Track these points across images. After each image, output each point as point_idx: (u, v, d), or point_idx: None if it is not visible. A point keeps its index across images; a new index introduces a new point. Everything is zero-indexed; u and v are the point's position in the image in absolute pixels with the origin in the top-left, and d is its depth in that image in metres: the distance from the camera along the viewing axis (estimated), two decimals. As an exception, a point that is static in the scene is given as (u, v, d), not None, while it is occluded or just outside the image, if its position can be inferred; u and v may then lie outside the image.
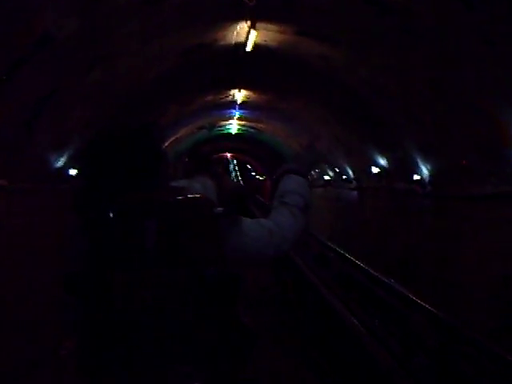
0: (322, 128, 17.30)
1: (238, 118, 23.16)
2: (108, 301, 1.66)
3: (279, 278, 12.69)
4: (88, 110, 10.84)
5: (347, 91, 11.95)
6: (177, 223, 1.70)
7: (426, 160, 11.44)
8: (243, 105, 18.55)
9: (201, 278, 1.69)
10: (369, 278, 11.05)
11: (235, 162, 61.05)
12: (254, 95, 16.84)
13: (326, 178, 22.45)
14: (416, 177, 12.14)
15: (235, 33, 10.16)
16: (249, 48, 10.78)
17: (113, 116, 12.04)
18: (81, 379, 1.75)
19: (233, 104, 18.38)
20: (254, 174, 56.04)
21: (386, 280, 10.43)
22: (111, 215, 1.69)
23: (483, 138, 8.76)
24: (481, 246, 9.71)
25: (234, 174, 60.94)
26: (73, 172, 12.19)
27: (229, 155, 53.91)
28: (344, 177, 18.99)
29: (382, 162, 14.53)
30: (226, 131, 28.25)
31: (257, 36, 10.10)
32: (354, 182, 18.36)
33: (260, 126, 24.66)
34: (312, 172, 24.93)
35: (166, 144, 20.16)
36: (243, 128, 27.04)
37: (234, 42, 10.77)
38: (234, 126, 26.22)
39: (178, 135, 21.47)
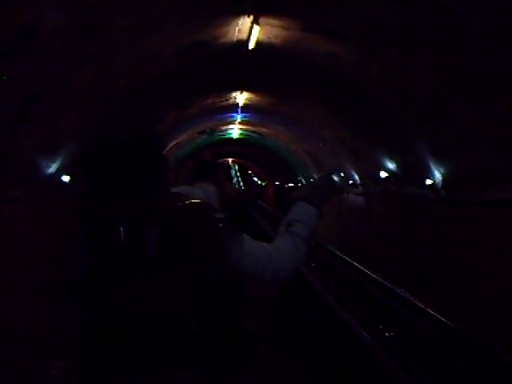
0: (326, 131, 16.66)
1: (240, 122, 22.52)
2: (110, 307, 1.67)
3: (284, 287, 12.17)
4: (81, 113, 10.19)
5: (355, 91, 11.30)
6: (178, 229, 1.72)
7: (440, 163, 10.78)
8: (245, 108, 17.90)
9: (202, 282, 1.69)
10: (379, 287, 10.42)
11: (237, 167, 60.77)
12: (256, 98, 16.19)
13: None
14: (428, 181, 11.47)
15: (237, 29, 9.52)
16: (251, 45, 10.15)
17: (109, 119, 11.40)
18: None
19: (234, 107, 17.73)
20: (255, 179, 55.71)
21: (399, 291, 9.82)
22: (118, 226, 1.69)
23: (506, 137, 8.11)
24: (502, 255, 9.06)
25: (235, 179, 60.73)
26: (66, 179, 11.58)
27: (230, 160, 53.51)
28: (350, 182, 18.30)
29: (391, 165, 13.87)
30: (227, 136, 27.64)
31: (260, 32, 9.46)
32: (361, 187, 17.69)
33: (262, 130, 24.02)
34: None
35: (166, 149, 19.58)
36: (245, 133, 26.43)
37: (235, 40, 10.13)
38: (235, 130, 25.58)
39: (177, 140, 20.82)
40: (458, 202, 10.61)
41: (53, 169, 10.62)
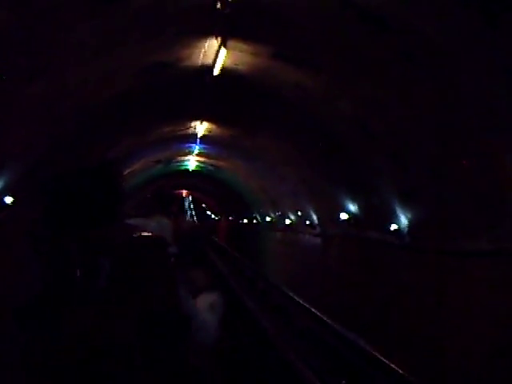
0: (287, 168, 16.11)
1: (198, 154, 21.81)
2: (58, 335, 1.66)
3: (232, 331, 11.36)
4: (29, 130, 9.37)
5: (322, 127, 10.79)
6: (130, 262, 1.73)
7: (406, 208, 10.27)
8: (204, 139, 17.21)
9: (151, 317, 1.70)
10: (337, 337, 9.75)
11: (190, 199, 60.05)
12: (216, 129, 15.55)
13: (287, 221, 21.20)
14: (393, 226, 10.95)
15: (202, 52, 8.90)
16: (216, 71, 9.53)
17: (59, 140, 10.58)
18: None
19: (193, 137, 17.02)
20: (209, 213, 55.00)
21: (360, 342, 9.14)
22: (71, 254, 1.70)
23: (481, 184, 7.64)
24: (471, 307, 8.52)
25: (189, 212, 60.00)
26: (9, 200, 10.70)
27: (185, 193, 52.66)
28: (307, 222, 17.74)
29: (353, 207, 13.35)
30: (183, 167, 26.87)
31: (227, 57, 8.86)
32: (318, 227, 17.13)
33: (220, 163, 23.36)
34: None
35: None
36: (202, 165, 25.72)
37: (200, 63, 9.51)
38: (192, 161, 24.84)
39: (132, 168, 19.95)
40: (423, 249, 10.09)
41: (-7, 189, 9.72)
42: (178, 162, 24.56)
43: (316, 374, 6.97)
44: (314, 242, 17.84)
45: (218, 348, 8.82)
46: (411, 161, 9.05)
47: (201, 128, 15.39)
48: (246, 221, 31.65)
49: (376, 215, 12.03)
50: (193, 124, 14.99)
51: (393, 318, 11.22)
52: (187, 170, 27.60)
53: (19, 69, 7.31)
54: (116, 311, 1.68)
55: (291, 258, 21.33)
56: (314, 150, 12.84)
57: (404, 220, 10.58)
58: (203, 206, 55.86)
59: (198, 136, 16.62)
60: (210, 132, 16.00)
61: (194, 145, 18.91)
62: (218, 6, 6.83)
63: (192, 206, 61.61)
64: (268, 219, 24.80)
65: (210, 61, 9.29)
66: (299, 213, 19.08)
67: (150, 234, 1.83)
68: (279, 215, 22.63)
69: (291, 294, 14.51)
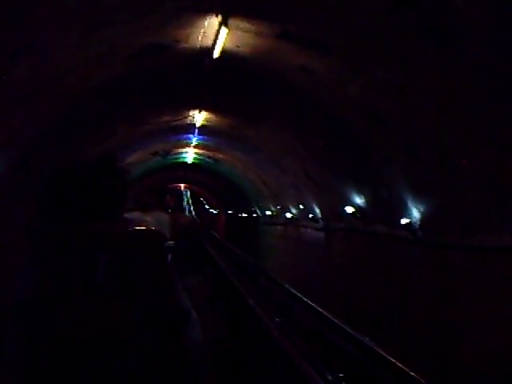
0: (289, 159, 15.44)
1: (196, 146, 21.11)
2: (56, 331, 1.65)
3: (235, 329, 10.78)
4: (12, 119, 8.70)
5: (328, 114, 10.11)
6: (127, 256, 1.73)
7: (419, 200, 9.62)
8: (202, 129, 16.51)
9: (149, 312, 1.68)
10: (343, 335, 9.12)
11: (189, 193, 59.51)
12: (215, 118, 14.85)
13: (289, 215, 20.54)
14: (404, 220, 10.29)
15: (202, 32, 8.22)
16: (216, 54, 8.86)
17: (47, 130, 9.91)
18: None
19: (191, 128, 16.32)
20: (207, 207, 54.37)
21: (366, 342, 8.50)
22: (69, 248, 1.70)
23: (504, 175, 6.99)
24: (491, 308, 7.89)
25: (186, 206, 59.45)
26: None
27: (182, 186, 52.03)
28: (310, 215, 17.08)
29: (359, 200, 12.70)
30: (181, 160, 26.16)
31: (228, 38, 8.19)
32: (321, 221, 16.47)
33: (219, 155, 22.67)
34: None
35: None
36: (200, 157, 25.03)
37: (199, 46, 8.83)
38: (190, 154, 24.13)
39: (127, 161, 19.25)
40: (437, 244, 9.44)
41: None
42: (175, 154, 23.87)
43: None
44: (317, 236, 17.19)
45: (220, 349, 8.19)
46: (427, 150, 8.39)
47: (199, 117, 14.70)
48: (245, 215, 30.99)
49: (384, 208, 11.38)
50: (191, 113, 14.29)
51: (403, 318, 10.61)
52: (185, 162, 26.92)
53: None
54: (113, 307, 1.64)
55: (293, 252, 20.71)
56: (318, 139, 12.18)
57: (416, 213, 9.93)
58: (201, 199, 55.19)
59: (197, 126, 15.93)
60: (208, 122, 15.31)
61: (191, 135, 18.21)
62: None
63: (190, 200, 60.96)
64: (268, 213, 24.15)
65: (209, 42, 8.62)
66: (301, 206, 18.43)
67: (147, 227, 1.82)
68: (280, 209, 21.98)
69: (293, 290, 13.90)
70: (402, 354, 9.59)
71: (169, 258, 1.79)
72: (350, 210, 13.22)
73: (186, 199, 60.90)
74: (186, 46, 8.79)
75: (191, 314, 1.88)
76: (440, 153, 8.01)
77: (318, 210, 16.44)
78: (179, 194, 56.30)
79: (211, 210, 51.07)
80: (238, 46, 8.67)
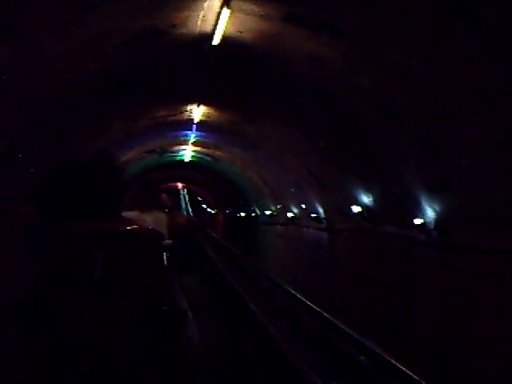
0: (291, 157, 14.75)
1: (194, 143, 20.40)
2: (52, 329, 1.65)
3: (235, 335, 10.15)
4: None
5: (336, 107, 9.43)
6: (124, 255, 1.74)
7: (435, 199, 8.94)
8: (201, 125, 15.78)
9: (145, 311, 1.68)
10: (351, 343, 8.45)
11: (185, 191, 59.00)
12: (214, 113, 14.13)
13: (289, 215, 19.85)
14: (418, 220, 9.61)
15: (201, 15, 7.53)
16: (216, 40, 8.17)
17: (37, 123, 9.20)
18: None
19: (189, 123, 15.59)
20: (205, 206, 53.77)
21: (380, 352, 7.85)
22: (66, 247, 1.70)
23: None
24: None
25: (184, 206, 58.99)
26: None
27: (180, 185, 51.40)
28: (313, 215, 16.37)
29: (366, 199, 12.01)
30: (178, 158, 25.46)
31: (229, 22, 7.50)
32: (325, 221, 15.78)
33: (217, 153, 21.96)
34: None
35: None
36: (198, 155, 24.33)
37: (197, 31, 8.13)
38: (188, 152, 23.41)
39: (123, 159, 18.53)
40: (455, 246, 8.76)
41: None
42: (173, 152, 23.15)
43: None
44: (319, 236, 16.50)
45: (220, 355, 7.56)
46: (445, 144, 7.71)
47: (198, 112, 13.97)
48: (243, 214, 30.32)
49: (395, 207, 10.70)
50: (189, 108, 13.56)
51: (415, 326, 9.94)
52: (183, 160, 26.21)
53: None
54: (107, 306, 1.64)
55: (293, 253, 20.03)
56: (324, 134, 11.49)
57: (431, 213, 9.25)
58: (199, 199, 54.55)
59: (195, 122, 15.21)
60: (207, 117, 14.60)
61: (189, 132, 17.50)
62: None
63: (187, 198, 60.43)
64: (268, 212, 23.46)
65: (209, 27, 7.93)
66: (303, 205, 17.74)
67: (144, 226, 1.85)
68: (280, 208, 21.29)
69: (294, 292, 13.22)
70: (415, 362, 8.93)
71: (165, 256, 1.74)
72: (356, 209, 12.55)
73: (183, 198, 60.42)
74: (183, 31, 8.09)
75: (187, 313, 1.84)
76: (461, 147, 7.33)
77: (321, 210, 15.76)
78: (176, 194, 55.82)
79: (209, 210, 50.43)
80: (240, 32, 7.98)
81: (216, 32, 7.88)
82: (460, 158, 7.53)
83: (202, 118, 14.81)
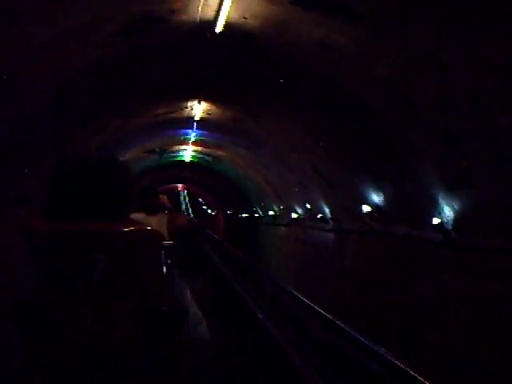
0: (296, 154, 14.14)
1: (194, 142, 19.79)
2: (53, 332, 1.65)
3: (241, 343, 9.66)
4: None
5: (347, 100, 8.83)
6: (125, 256, 1.72)
7: (453, 197, 8.34)
8: (201, 123, 15.16)
9: (148, 314, 1.68)
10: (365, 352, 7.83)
11: (186, 193, 58.66)
12: (216, 110, 13.51)
13: (293, 215, 19.25)
14: (434, 220, 9.00)
15: (202, 0, 6.93)
16: (219, 27, 7.57)
17: (26, 123, 8.61)
18: None
19: (189, 121, 14.98)
20: (205, 207, 53.35)
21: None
22: (66, 248, 1.72)
23: None
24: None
25: (184, 207, 58.69)
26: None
27: (180, 186, 50.91)
28: (319, 215, 15.76)
29: (377, 198, 11.41)
30: (178, 158, 24.84)
31: (233, 7, 6.90)
32: (331, 222, 15.17)
33: (219, 153, 21.35)
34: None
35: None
36: (199, 155, 23.72)
37: (198, 18, 7.53)
38: (188, 151, 22.78)
39: (122, 159, 17.90)
40: (476, 248, 8.15)
41: None
42: (173, 152, 22.54)
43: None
44: (326, 237, 15.89)
45: (225, 366, 6.93)
46: (468, 137, 7.10)
47: (199, 109, 13.36)
48: (245, 215, 29.74)
49: (408, 206, 10.10)
50: (189, 104, 12.94)
51: (432, 335, 9.33)
52: (183, 161, 25.59)
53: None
54: (108, 307, 1.64)
55: (298, 255, 19.44)
56: (332, 130, 10.89)
57: (449, 212, 8.65)
58: (199, 200, 54.09)
59: (195, 119, 14.59)
60: (208, 114, 13.98)
61: (190, 130, 16.87)
62: None
63: (187, 200, 60.03)
64: (271, 213, 22.86)
65: (211, 13, 7.33)
66: (308, 205, 17.14)
67: (144, 227, 1.77)
68: (284, 208, 20.68)
69: (301, 296, 12.60)
70: (436, 372, 8.34)
71: (163, 256, 1.74)
72: (366, 208, 11.95)
73: (183, 200, 60.12)
74: (183, 17, 7.48)
75: (189, 313, 1.81)
76: (487, 140, 6.72)
77: (327, 210, 15.15)
78: (176, 195, 55.52)
79: (209, 211, 49.95)
80: (244, 18, 7.37)
81: (219, 18, 7.28)
82: (484, 150, 6.93)
83: (203, 116, 14.20)
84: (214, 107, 13.21)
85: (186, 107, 13.16)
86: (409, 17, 5.80)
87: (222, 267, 17.14)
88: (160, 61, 9.07)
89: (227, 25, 7.51)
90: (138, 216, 2.31)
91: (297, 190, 17.14)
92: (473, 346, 8.08)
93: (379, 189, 11.06)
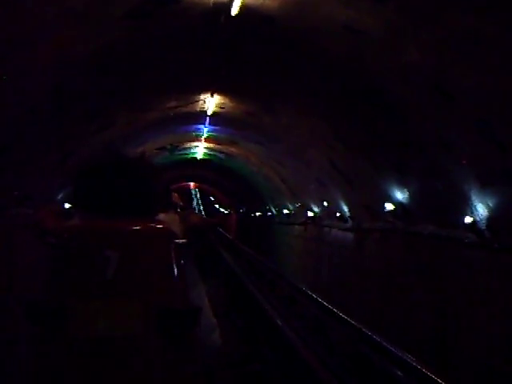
0: (313, 151, 13.52)
1: (207, 139, 19.19)
2: (66, 330, 1.66)
3: (257, 349, 8.87)
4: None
5: (372, 89, 8.20)
6: (137, 254, 1.72)
7: (488, 193, 7.70)
8: (214, 118, 14.55)
9: (160, 311, 1.68)
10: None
11: (197, 191, 58.50)
12: (230, 104, 12.90)
13: (310, 214, 18.62)
14: (466, 219, 8.37)
15: (216, -22, 6.33)
16: (235, 10, 6.96)
17: (20, 117, 8.06)
18: None
19: (202, 116, 14.38)
20: (217, 206, 53.04)
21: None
22: (79, 247, 1.72)
23: None
24: None
25: (195, 205, 58.57)
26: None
27: (192, 184, 50.57)
28: (338, 214, 15.13)
29: (400, 195, 10.77)
30: (190, 155, 24.26)
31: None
32: (351, 220, 14.54)
33: (231, 149, 20.76)
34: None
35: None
36: (211, 152, 23.14)
37: (212, 0, 6.93)
38: (200, 148, 22.19)
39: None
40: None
41: None
42: (184, 149, 21.97)
43: None
44: (345, 237, 15.27)
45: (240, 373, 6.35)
46: (508, 130, 6.47)
47: (211, 102, 12.75)
48: (259, 214, 29.19)
49: (437, 204, 9.45)
50: (202, 97, 12.33)
51: (464, 342, 8.69)
52: (195, 158, 25.00)
53: None
54: (121, 304, 1.66)
55: (314, 255, 18.84)
56: (353, 123, 10.25)
57: (482, 210, 8.01)
58: (211, 198, 53.74)
59: (208, 114, 13.98)
60: (222, 108, 13.38)
61: (202, 126, 16.28)
62: None
63: (199, 198, 59.83)
64: (286, 212, 22.25)
65: (226, -5, 6.74)
66: (325, 203, 16.51)
67: (157, 225, 1.77)
68: (299, 206, 20.06)
69: (320, 299, 11.99)
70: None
71: (175, 254, 1.74)
72: (389, 207, 11.33)
73: (195, 198, 59.99)
74: (196, 1, 6.88)
75: (201, 312, 1.77)
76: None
77: (346, 208, 14.52)
78: (188, 194, 55.35)
79: (222, 210, 49.58)
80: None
81: (233, 3, 6.67)
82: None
83: (216, 110, 13.60)
84: (227, 100, 12.60)
85: (198, 100, 12.56)
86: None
87: (235, 267, 16.59)
88: (171, 48, 8.47)
89: (243, 7, 6.90)
90: (162, 216, 2.10)
91: (312, 186, 16.55)
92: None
93: (404, 185, 10.42)
